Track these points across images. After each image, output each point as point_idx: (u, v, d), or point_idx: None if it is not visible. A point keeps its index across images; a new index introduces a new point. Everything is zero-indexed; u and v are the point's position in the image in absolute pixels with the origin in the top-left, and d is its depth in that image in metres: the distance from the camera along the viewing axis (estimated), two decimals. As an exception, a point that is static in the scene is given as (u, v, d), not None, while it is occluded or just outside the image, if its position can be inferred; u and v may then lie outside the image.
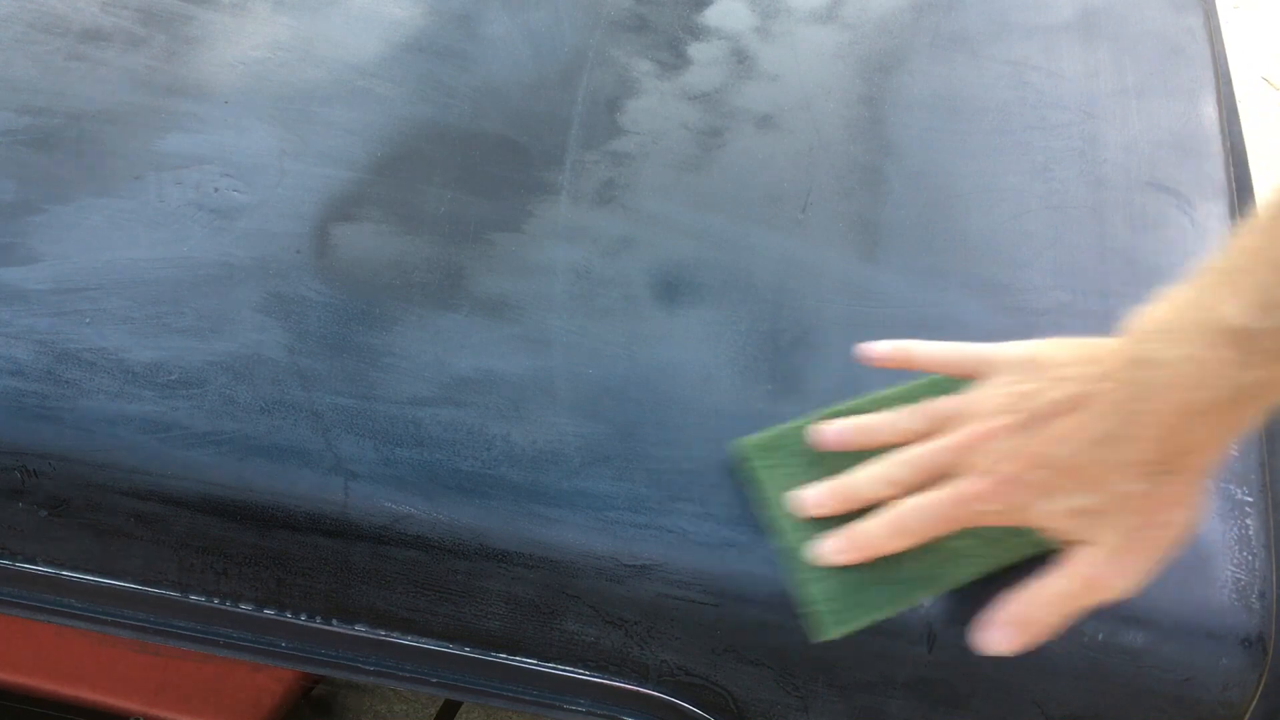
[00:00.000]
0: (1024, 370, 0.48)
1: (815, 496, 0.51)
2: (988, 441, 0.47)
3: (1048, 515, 0.46)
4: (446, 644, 0.55)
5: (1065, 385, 0.45)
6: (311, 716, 1.23)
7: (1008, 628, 0.47)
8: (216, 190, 0.62)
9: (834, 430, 0.52)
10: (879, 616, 0.49)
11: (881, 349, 0.53)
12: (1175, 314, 0.43)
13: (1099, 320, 0.60)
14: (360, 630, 0.55)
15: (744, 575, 0.51)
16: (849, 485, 0.50)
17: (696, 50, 0.72)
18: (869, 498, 0.50)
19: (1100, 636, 0.50)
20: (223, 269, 0.59)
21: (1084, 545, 0.46)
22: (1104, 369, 0.44)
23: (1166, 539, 0.45)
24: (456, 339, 0.57)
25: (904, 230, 0.64)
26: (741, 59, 0.72)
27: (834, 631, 0.49)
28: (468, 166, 0.65)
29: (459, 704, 1.11)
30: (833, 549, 0.49)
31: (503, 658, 0.55)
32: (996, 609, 0.48)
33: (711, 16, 0.75)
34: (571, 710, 0.55)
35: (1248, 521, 0.53)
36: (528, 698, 0.56)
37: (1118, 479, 0.44)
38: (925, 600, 0.50)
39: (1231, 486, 0.54)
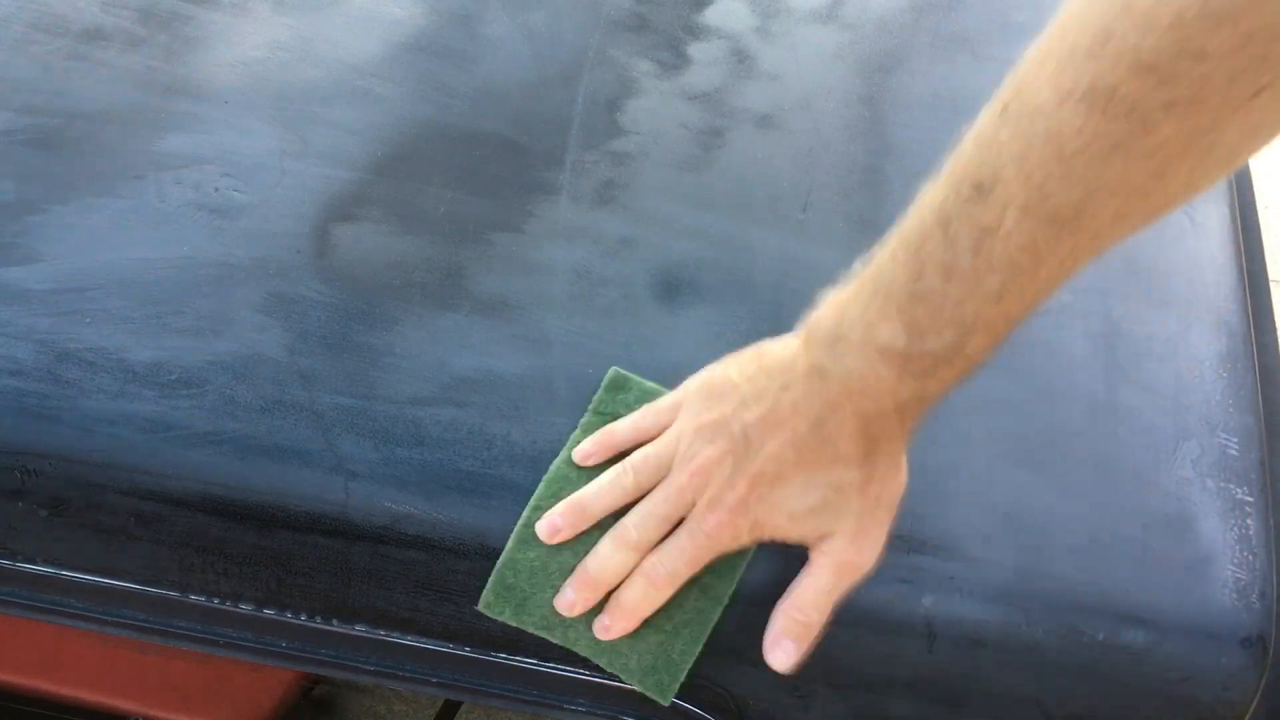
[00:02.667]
0: (708, 399, 0.50)
1: (569, 600, 0.51)
2: (707, 476, 0.48)
3: (783, 525, 0.48)
4: (446, 644, 0.55)
5: (757, 404, 0.48)
6: (311, 716, 1.23)
7: (786, 643, 0.49)
8: (216, 190, 0.62)
9: (552, 524, 0.51)
10: (692, 657, 0.51)
11: (586, 449, 0.53)
12: (842, 325, 0.45)
13: (1099, 320, 0.60)
14: (360, 630, 0.55)
15: (743, 575, 0.51)
16: (595, 574, 0.50)
17: (696, 50, 0.72)
18: (621, 573, 0.50)
19: (1100, 636, 0.50)
20: (223, 269, 0.59)
21: (823, 539, 0.48)
22: (785, 380, 0.47)
23: (889, 506, 0.49)
24: (456, 339, 0.57)
25: (904, 230, 0.64)
26: (741, 59, 0.72)
27: (671, 698, 0.51)
28: (468, 166, 0.65)
29: (459, 704, 1.11)
30: (607, 627, 0.50)
31: (503, 658, 0.55)
32: (770, 628, 0.50)
33: (711, 16, 0.75)
34: (571, 710, 0.55)
35: (1248, 521, 0.53)
36: (528, 698, 0.56)
37: (831, 475, 0.47)
38: (713, 623, 0.51)
39: (1231, 486, 0.55)
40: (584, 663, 0.52)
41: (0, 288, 0.58)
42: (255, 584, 0.55)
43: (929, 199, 0.42)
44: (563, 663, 0.54)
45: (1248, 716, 0.50)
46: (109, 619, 0.57)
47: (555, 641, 0.52)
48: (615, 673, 0.52)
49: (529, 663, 0.55)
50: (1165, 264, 0.63)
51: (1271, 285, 0.65)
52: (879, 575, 0.51)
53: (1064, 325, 0.60)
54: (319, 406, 0.54)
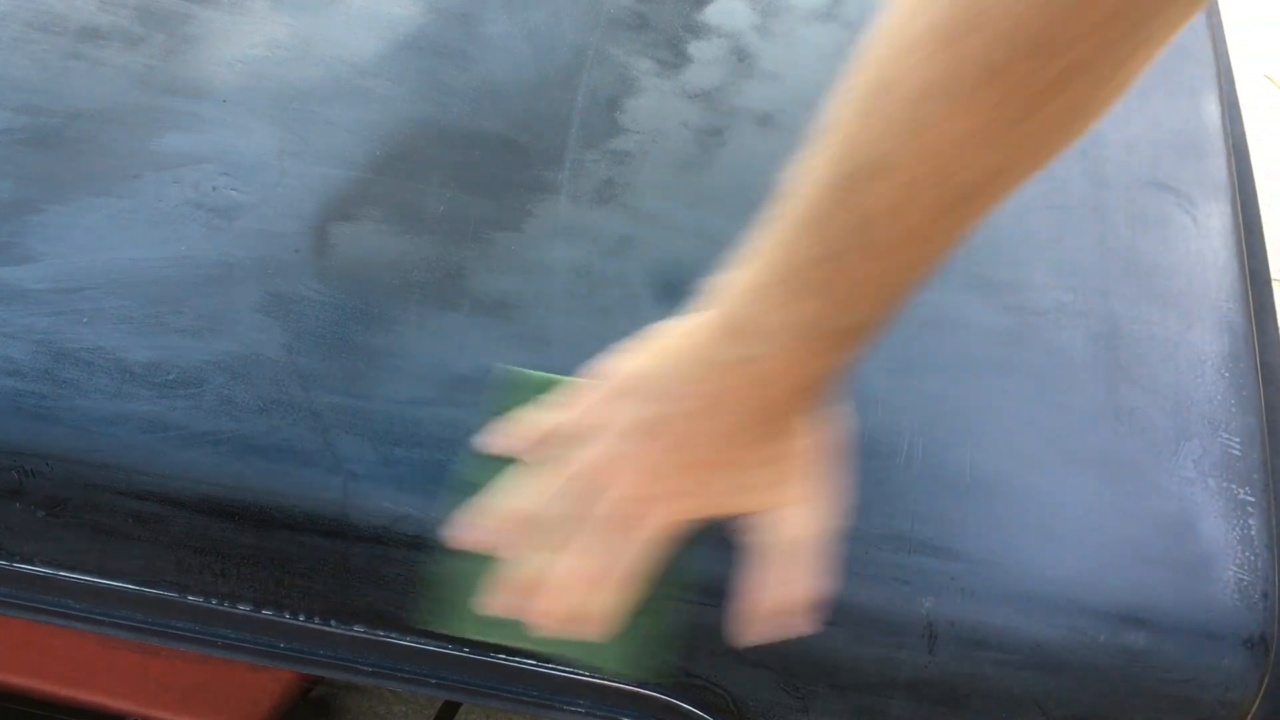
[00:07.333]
0: (638, 397, 0.48)
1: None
2: (651, 472, 0.47)
3: (738, 504, 0.48)
4: (446, 644, 0.55)
5: (691, 394, 0.47)
6: (311, 717, 1.23)
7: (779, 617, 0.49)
8: (215, 190, 0.62)
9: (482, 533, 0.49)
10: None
11: (504, 440, 0.51)
12: (764, 310, 0.45)
13: (1099, 320, 0.60)
14: (359, 630, 0.55)
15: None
16: (529, 584, 0.48)
17: (696, 49, 0.72)
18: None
19: (1102, 637, 0.50)
20: (221, 269, 0.59)
21: (776, 509, 0.48)
22: (714, 367, 0.46)
23: (830, 460, 0.49)
24: (456, 339, 0.57)
25: (905, 229, 0.63)
26: (742, 57, 0.72)
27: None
28: (468, 166, 0.65)
29: (459, 704, 1.11)
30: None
31: (503, 658, 0.54)
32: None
33: (711, 15, 0.75)
34: (571, 710, 0.55)
35: (1250, 521, 0.53)
36: (527, 698, 0.55)
37: (776, 449, 0.47)
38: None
39: (1233, 486, 0.54)
40: (583, 663, 0.52)
41: (-2, 287, 0.58)
42: (254, 584, 0.55)
43: (817, 174, 0.44)
44: (563, 663, 0.54)
45: (1249, 717, 0.50)
46: (108, 619, 0.57)
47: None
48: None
49: (529, 663, 0.54)
50: (1166, 263, 0.63)
51: (1273, 284, 0.65)
52: (879, 575, 0.51)
53: (1064, 325, 0.60)
54: (317, 406, 0.54)
